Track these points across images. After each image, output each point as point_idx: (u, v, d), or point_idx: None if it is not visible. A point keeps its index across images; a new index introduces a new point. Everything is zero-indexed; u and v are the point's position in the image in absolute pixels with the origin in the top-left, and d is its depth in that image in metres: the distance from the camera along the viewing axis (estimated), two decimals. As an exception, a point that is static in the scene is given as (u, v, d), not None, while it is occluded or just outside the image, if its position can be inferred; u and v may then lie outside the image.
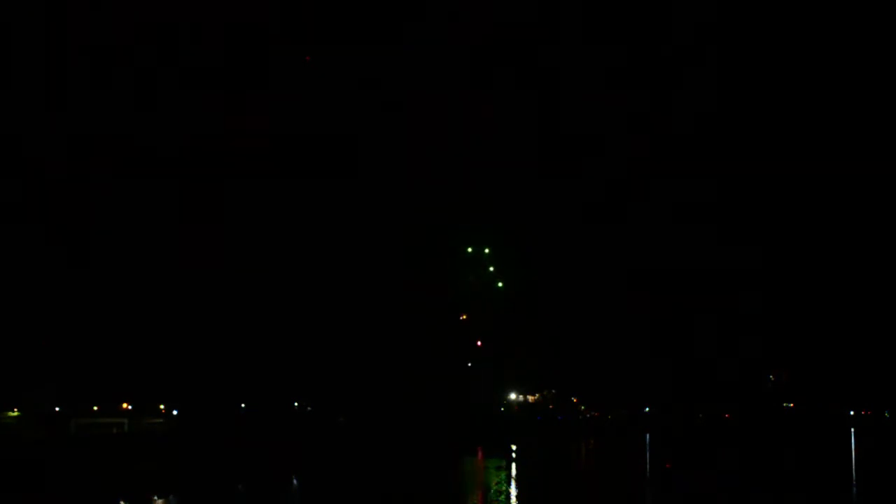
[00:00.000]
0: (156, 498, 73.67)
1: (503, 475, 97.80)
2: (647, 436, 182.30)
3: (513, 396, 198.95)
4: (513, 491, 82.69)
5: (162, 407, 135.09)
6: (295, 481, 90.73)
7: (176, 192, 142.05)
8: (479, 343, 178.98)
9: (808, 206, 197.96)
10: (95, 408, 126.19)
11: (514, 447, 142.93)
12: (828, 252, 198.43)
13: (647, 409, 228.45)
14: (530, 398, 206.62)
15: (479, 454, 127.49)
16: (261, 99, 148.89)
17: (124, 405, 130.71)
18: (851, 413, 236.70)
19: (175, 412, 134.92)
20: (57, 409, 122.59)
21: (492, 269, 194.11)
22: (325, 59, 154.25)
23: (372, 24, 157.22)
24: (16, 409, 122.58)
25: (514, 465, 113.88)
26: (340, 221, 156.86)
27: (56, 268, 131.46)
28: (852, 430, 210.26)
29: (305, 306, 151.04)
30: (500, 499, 76.06)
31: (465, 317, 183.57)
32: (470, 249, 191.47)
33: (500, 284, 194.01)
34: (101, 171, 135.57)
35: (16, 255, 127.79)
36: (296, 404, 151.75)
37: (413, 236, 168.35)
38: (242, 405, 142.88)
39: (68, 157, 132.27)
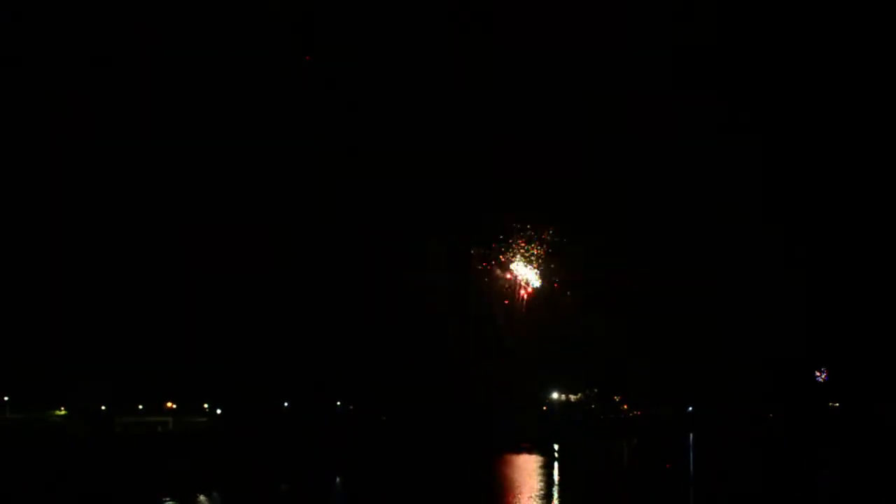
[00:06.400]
0: (200, 496, 74.02)
1: (546, 474, 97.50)
2: (691, 436, 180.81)
3: (555, 396, 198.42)
4: (556, 490, 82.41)
5: (206, 405, 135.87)
6: (338, 480, 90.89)
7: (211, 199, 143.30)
8: (522, 343, 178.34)
9: (853, 200, 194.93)
10: (140, 406, 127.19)
11: (556, 446, 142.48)
12: (875, 245, 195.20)
13: (690, 409, 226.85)
14: (572, 397, 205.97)
15: (523, 453, 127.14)
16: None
17: (168, 404, 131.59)
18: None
19: (218, 411, 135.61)
20: (102, 407, 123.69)
21: (534, 268, 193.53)
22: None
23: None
24: (62, 408, 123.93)
25: (556, 465, 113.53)
26: (377, 224, 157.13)
27: (99, 270, 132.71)
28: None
29: (347, 307, 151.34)
30: (544, 498, 75.84)
31: (507, 317, 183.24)
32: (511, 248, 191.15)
33: (540, 283, 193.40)
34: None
35: (60, 259, 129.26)
36: (338, 403, 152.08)
37: (454, 236, 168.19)
38: (286, 404, 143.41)
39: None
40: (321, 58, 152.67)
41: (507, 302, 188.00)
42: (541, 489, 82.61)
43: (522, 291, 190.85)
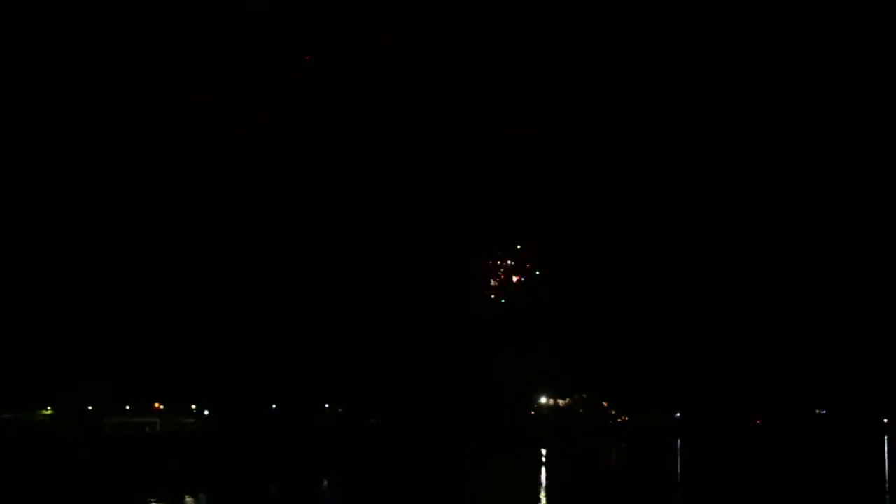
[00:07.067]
0: (187, 497, 73.95)
1: (533, 479, 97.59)
2: (678, 441, 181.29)
3: (543, 400, 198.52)
4: (542, 495, 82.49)
5: (193, 407, 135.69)
6: (325, 483, 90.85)
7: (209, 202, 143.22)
8: (510, 346, 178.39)
9: (839, 210, 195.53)
10: (128, 407, 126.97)
11: (544, 451, 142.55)
12: (865, 252, 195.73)
13: (678, 415, 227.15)
14: (561, 402, 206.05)
15: (511, 457, 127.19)
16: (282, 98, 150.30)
17: (156, 405, 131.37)
18: (885, 420, 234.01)
19: (206, 412, 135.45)
20: (90, 407, 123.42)
21: (524, 271, 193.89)
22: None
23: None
24: (49, 408, 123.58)
25: (543, 469, 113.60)
26: (370, 224, 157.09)
27: (87, 269, 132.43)
28: (885, 438, 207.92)
29: (336, 308, 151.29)
30: (536, 500, 76.01)
31: (496, 320, 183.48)
32: (502, 251, 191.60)
33: (532, 288, 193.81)
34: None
35: (48, 257, 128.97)
36: (327, 405, 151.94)
37: (446, 238, 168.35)
38: (274, 406, 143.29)
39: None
40: (321, 58, 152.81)
41: (501, 303, 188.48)
42: (534, 491, 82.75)
43: (514, 292, 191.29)
